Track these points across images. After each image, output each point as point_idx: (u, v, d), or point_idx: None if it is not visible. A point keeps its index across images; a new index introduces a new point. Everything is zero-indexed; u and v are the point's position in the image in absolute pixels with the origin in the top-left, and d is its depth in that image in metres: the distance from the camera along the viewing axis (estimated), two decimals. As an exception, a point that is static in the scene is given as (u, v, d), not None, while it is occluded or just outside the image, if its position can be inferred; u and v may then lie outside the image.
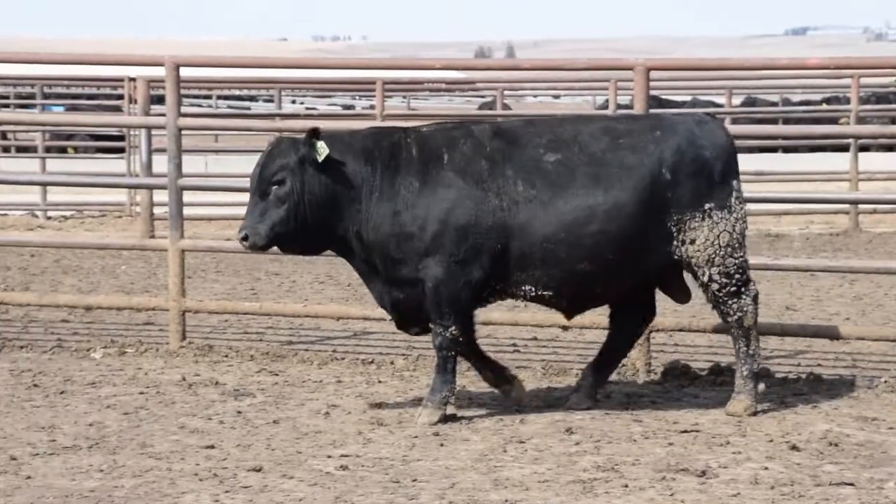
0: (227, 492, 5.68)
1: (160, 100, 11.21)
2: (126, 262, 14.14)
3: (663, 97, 25.04)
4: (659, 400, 7.56)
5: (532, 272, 6.90)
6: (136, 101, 16.19)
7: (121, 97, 19.70)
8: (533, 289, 6.94)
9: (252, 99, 36.53)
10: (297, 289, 12.31)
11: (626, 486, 5.77)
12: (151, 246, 11.42)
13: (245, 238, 6.92)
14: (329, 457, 6.26)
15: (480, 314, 7.37)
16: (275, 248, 7.06)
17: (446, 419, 6.91)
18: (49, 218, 18.75)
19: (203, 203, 16.29)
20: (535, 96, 42.20)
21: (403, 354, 8.77)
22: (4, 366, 8.39)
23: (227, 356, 8.79)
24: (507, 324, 8.95)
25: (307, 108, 33.53)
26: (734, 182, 7.07)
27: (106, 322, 10.17)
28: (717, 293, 7.03)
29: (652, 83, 8.36)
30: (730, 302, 7.05)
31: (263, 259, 14.05)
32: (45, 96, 21.52)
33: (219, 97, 28.05)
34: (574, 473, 5.97)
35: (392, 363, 8.52)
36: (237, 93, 34.49)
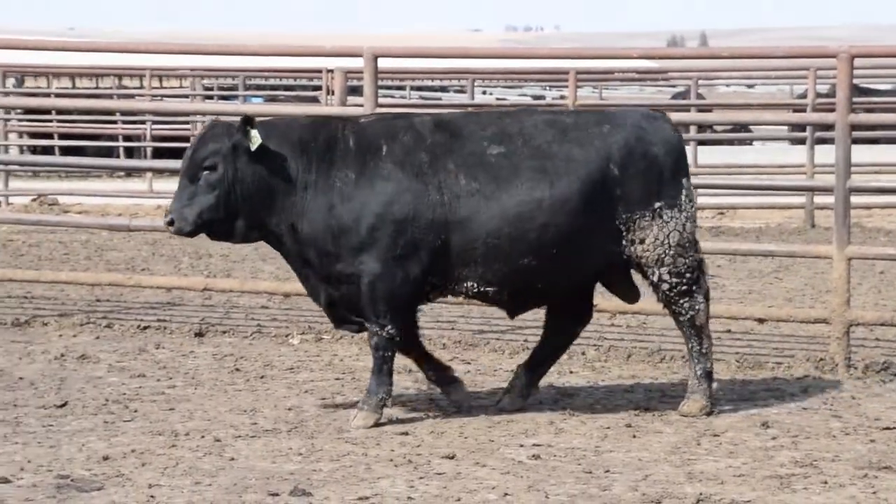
0: (421, 478, 5.75)
1: (353, 91, 11.37)
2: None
3: (862, 86, 24.33)
4: (859, 396, 7.37)
5: (474, 268, 6.65)
6: (333, 92, 16.47)
7: (318, 88, 20.09)
8: (475, 285, 6.70)
9: (443, 90, 36.81)
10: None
11: (826, 482, 5.65)
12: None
13: (171, 223, 6.69)
14: (521, 445, 6.29)
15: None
16: None
17: (379, 424, 6.66)
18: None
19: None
20: (727, 86, 41.50)
21: (594, 345, 8.74)
22: (208, 350, 8.67)
23: (420, 344, 8.89)
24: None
25: (497, 99, 33.63)
26: (684, 180, 6.84)
27: (302, 309, 10.39)
28: (667, 293, 6.81)
29: (854, 71, 8.14)
30: (681, 301, 6.82)
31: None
32: (246, 88, 22.08)
33: (412, 88, 28.28)
34: (771, 468, 5.88)
35: (583, 353, 8.50)
36: (429, 83, 34.79)
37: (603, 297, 7.52)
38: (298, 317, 9.98)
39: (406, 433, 6.53)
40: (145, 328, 9.29)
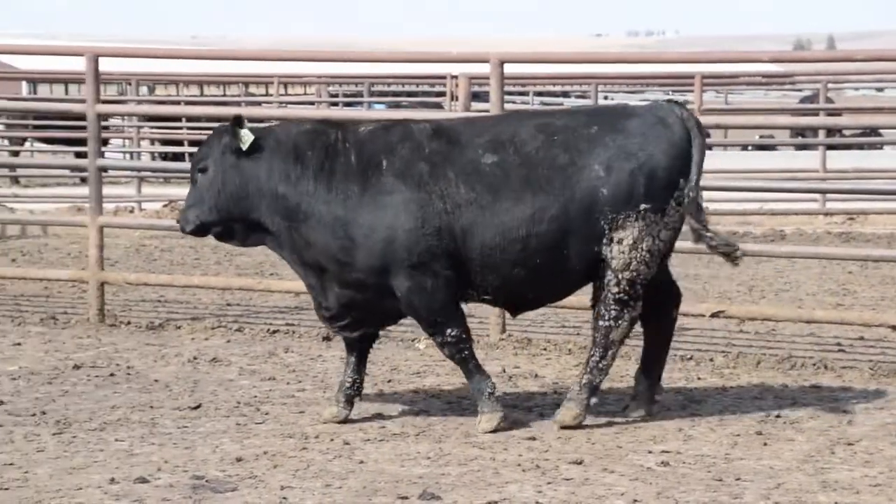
0: (549, 483, 5.75)
1: (476, 96, 11.40)
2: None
3: None
4: None
5: (473, 277, 6.61)
6: (457, 98, 16.56)
7: (441, 94, 20.20)
8: (474, 293, 6.70)
9: (565, 95, 36.73)
10: (613, 284, 12.30)
11: (964, 494, 5.52)
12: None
13: (178, 222, 6.97)
14: (650, 452, 6.25)
15: (803, 312, 7.18)
16: None
17: (504, 428, 6.61)
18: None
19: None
20: (856, 89, 40.72)
21: (723, 352, 8.65)
22: (335, 354, 8.76)
23: (545, 349, 8.91)
24: (833, 322, 8.70)
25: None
26: (682, 181, 6.60)
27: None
28: (610, 296, 6.55)
29: None
30: (612, 308, 6.57)
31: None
32: (371, 95, 22.27)
33: (535, 94, 28.28)
34: (907, 479, 5.76)
35: (711, 360, 8.42)
36: (551, 89, 34.72)
37: (732, 303, 7.43)
38: (424, 321, 10.03)
39: (533, 438, 6.53)
40: (274, 332, 9.43)
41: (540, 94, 32.84)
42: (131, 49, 9.93)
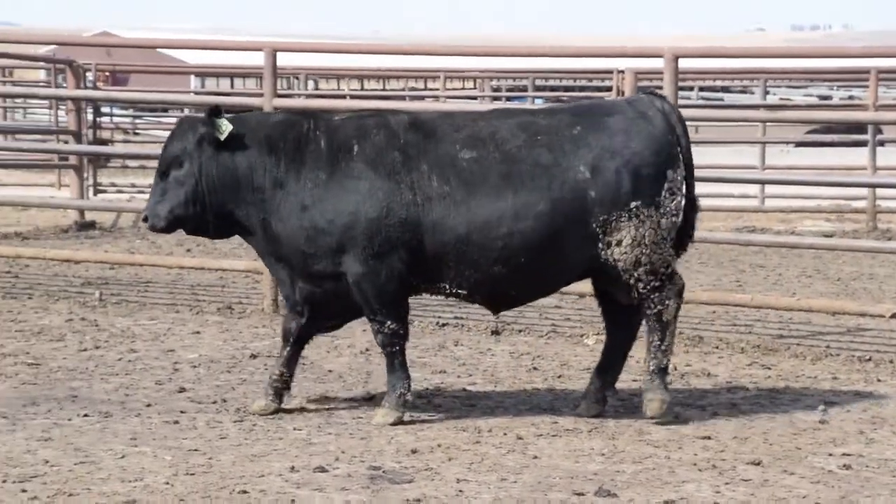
0: (727, 483, 5.68)
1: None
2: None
3: None
4: None
5: (447, 271, 6.55)
6: (623, 93, 16.45)
7: (608, 90, 20.08)
8: (447, 286, 6.62)
9: (725, 90, 36.25)
10: (783, 282, 12.11)
11: None
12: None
13: (145, 219, 6.77)
14: (830, 455, 6.13)
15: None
16: None
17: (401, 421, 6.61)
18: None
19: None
20: None
21: (902, 353, 8.44)
22: (505, 348, 8.79)
23: (717, 347, 8.80)
24: None
25: (781, 99, 32.82)
26: (669, 172, 6.57)
27: (595, 309, 10.38)
28: (641, 291, 6.60)
29: None
30: (652, 296, 6.61)
31: (747, 251, 13.94)
32: (537, 89, 22.27)
33: (701, 88, 27.97)
34: None
35: (891, 361, 8.22)
36: (710, 83, 34.24)
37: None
38: (592, 317, 9.97)
39: (708, 437, 6.46)
40: (444, 325, 9.50)
41: (700, 88, 32.44)
42: (308, 44, 10.08)
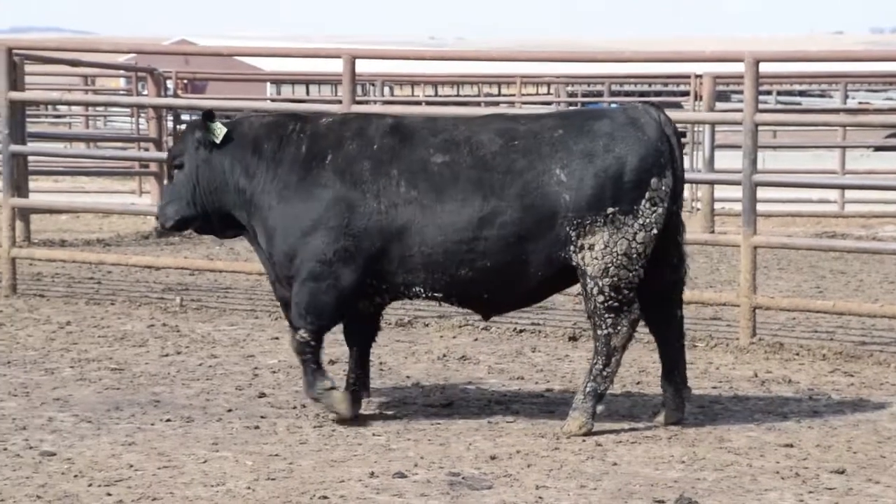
0: (810, 492, 5.62)
1: (720, 96, 11.31)
2: (688, 256, 14.28)
3: None
4: None
5: (417, 274, 6.53)
6: (701, 98, 16.36)
7: (683, 94, 19.95)
8: (422, 289, 6.59)
9: (802, 94, 35.90)
10: (865, 287, 11.96)
11: None
12: (723, 241, 11.44)
13: (158, 218, 7.02)
14: (915, 464, 6.05)
15: None
16: None
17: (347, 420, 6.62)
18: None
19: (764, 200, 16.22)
20: None
21: None
22: (582, 354, 8.74)
23: (797, 354, 8.71)
24: None
25: (860, 103, 32.44)
26: (654, 181, 6.43)
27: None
28: (598, 304, 6.44)
29: None
30: (606, 315, 6.46)
31: (827, 257, 13.79)
32: (613, 94, 22.19)
33: (779, 92, 27.76)
34: None
35: (977, 369, 8.09)
36: (788, 88, 33.94)
37: None
38: (670, 323, 9.94)
39: (791, 445, 6.39)
40: (521, 331, 9.49)
41: (778, 92, 32.17)
42: (386, 51, 10.14)
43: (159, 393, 7.40)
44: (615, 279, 6.44)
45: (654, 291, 6.65)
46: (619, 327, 6.50)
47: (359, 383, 6.97)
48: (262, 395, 7.37)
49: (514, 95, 21.26)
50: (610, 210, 6.42)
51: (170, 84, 18.79)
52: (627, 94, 25.59)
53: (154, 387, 7.55)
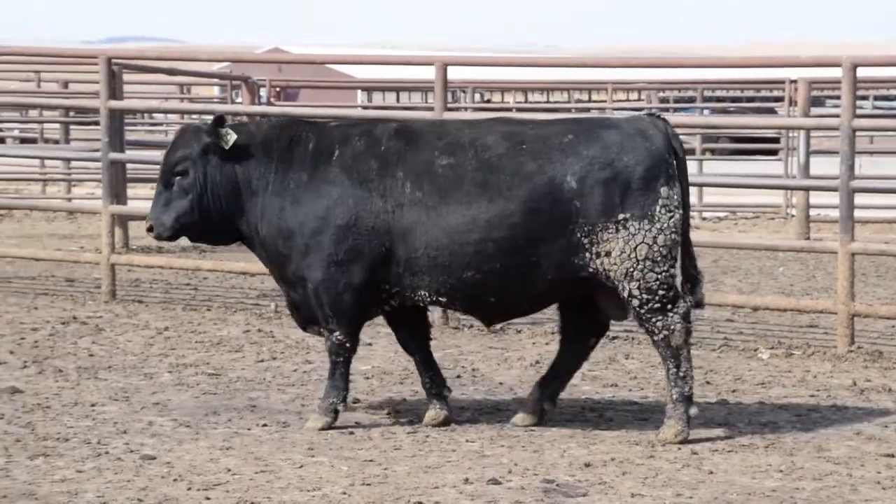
0: (912, 503, 5.54)
1: (815, 101, 11.20)
2: (783, 263, 14.15)
3: None
4: None
5: (422, 277, 6.52)
6: (796, 103, 16.17)
7: (777, 100, 19.74)
8: (427, 294, 6.57)
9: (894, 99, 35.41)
10: (965, 296, 11.74)
11: None
12: (819, 248, 11.31)
13: (150, 229, 6.86)
14: None
15: None
16: None
17: (333, 427, 6.68)
18: (704, 219, 19.19)
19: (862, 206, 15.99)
20: None
21: None
22: (677, 362, 8.69)
23: (897, 363, 8.58)
24: None
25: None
26: (663, 189, 6.45)
27: (769, 323, 10.24)
28: (638, 310, 6.49)
29: None
30: (654, 319, 6.49)
31: (926, 263, 13.56)
32: (705, 100, 22.02)
33: (875, 97, 27.34)
34: None
35: None
36: (885, 93, 33.43)
37: None
38: (765, 331, 9.84)
39: (892, 455, 6.30)
40: (614, 338, 9.45)
41: (875, 97, 31.66)
42: (478, 58, 10.15)
43: (255, 398, 7.48)
44: (641, 282, 6.47)
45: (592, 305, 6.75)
46: (671, 327, 6.53)
47: (435, 384, 6.95)
48: (356, 400, 7.41)
49: (604, 102, 21.17)
50: (622, 216, 6.45)
51: (263, 92, 18.97)
52: (719, 99, 25.33)
53: (250, 392, 7.64)
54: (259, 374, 8.16)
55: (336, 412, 6.76)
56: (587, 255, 6.48)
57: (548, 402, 6.90)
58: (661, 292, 6.49)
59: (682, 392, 6.57)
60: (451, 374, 8.15)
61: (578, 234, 6.46)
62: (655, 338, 6.57)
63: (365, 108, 25.25)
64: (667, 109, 23.05)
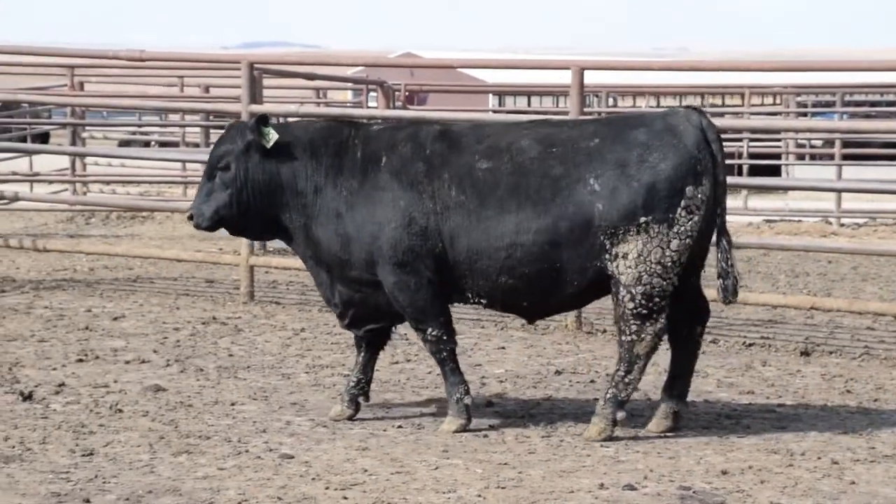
0: None
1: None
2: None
3: None
4: None
5: (466, 279, 6.63)
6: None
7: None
8: (470, 295, 6.71)
9: None
10: None
11: None
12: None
13: (191, 218, 7.03)
14: None
15: None
16: None
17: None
18: (842, 225, 18.84)
19: None
20: None
21: None
22: (815, 370, 8.56)
23: None
24: None
25: None
26: (689, 189, 6.39)
27: (911, 332, 10.02)
28: (628, 311, 6.42)
29: None
30: (632, 322, 6.44)
31: None
32: (845, 104, 21.60)
33: None
34: None
35: None
36: None
37: None
38: (909, 340, 9.64)
39: None
40: (750, 345, 9.33)
41: None
42: (614, 62, 10.12)
43: (390, 400, 7.55)
44: (648, 287, 6.44)
45: (682, 297, 6.65)
46: (643, 335, 6.50)
47: (359, 387, 7.07)
48: (490, 403, 7.44)
49: (740, 106, 20.90)
50: (643, 219, 6.42)
51: (397, 96, 19.11)
52: (858, 104, 24.80)
53: (385, 394, 7.71)
54: (393, 375, 8.24)
55: (468, 411, 6.79)
56: (606, 256, 6.47)
57: (679, 404, 6.86)
58: (656, 299, 6.47)
59: (616, 395, 6.60)
60: (585, 379, 8.15)
61: (601, 237, 6.47)
62: (623, 338, 6.55)
63: (496, 111, 25.29)
64: (805, 114, 22.67)
